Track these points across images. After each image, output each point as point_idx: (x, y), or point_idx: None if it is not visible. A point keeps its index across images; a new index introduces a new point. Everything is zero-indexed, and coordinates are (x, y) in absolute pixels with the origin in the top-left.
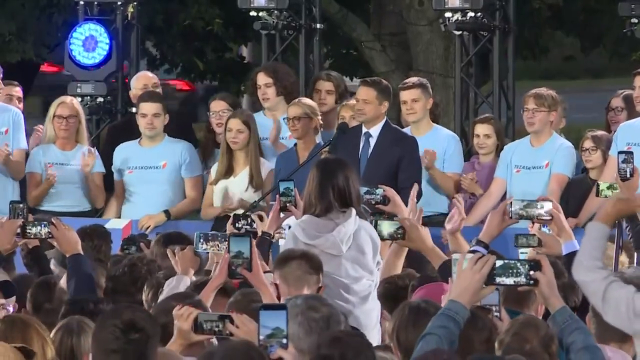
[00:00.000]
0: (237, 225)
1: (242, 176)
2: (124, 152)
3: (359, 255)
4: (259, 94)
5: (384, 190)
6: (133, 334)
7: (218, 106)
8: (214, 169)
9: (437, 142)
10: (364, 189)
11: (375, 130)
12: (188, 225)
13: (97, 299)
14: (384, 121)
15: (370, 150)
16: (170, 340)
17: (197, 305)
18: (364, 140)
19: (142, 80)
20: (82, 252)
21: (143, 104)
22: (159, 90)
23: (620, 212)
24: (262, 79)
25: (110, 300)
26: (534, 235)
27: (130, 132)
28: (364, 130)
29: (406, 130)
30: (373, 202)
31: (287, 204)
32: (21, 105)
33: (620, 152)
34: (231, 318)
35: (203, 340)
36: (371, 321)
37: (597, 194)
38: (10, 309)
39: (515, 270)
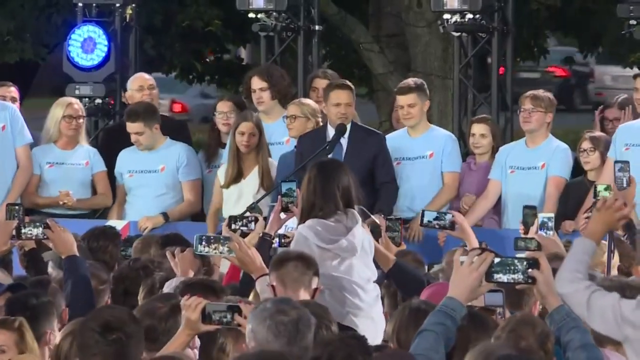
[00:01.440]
0: (232, 227)
1: (252, 178)
2: (125, 157)
3: (365, 256)
4: (254, 97)
5: (452, 216)
6: (110, 335)
7: (225, 107)
8: (221, 173)
9: (434, 142)
10: (432, 214)
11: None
12: (187, 226)
13: (38, 294)
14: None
15: (344, 151)
16: (178, 331)
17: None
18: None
19: (138, 81)
20: (77, 254)
21: (126, 122)
22: (155, 91)
23: (605, 225)
24: (256, 83)
25: (122, 303)
26: (533, 238)
27: (125, 134)
28: (334, 131)
29: (402, 131)
30: (438, 227)
31: (289, 205)
32: (16, 105)
33: (616, 162)
34: (239, 309)
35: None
36: (383, 320)
37: (595, 196)
38: None
39: (513, 268)
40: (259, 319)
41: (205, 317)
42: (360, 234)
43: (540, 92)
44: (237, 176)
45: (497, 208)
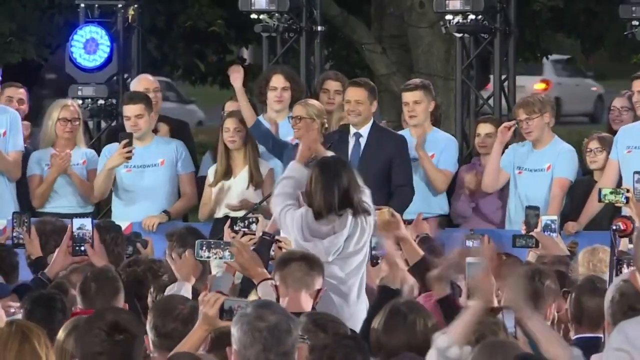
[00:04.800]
0: (234, 228)
1: (242, 176)
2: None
3: (347, 258)
4: (273, 95)
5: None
6: (117, 335)
7: (232, 107)
8: (211, 171)
9: (435, 145)
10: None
11: (364, 130)
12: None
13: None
14: (372, 121)
15: (361, 150)
16: (195, 326)
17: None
18: (354, 141)
19: (143, 83)
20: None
21: (125, 106)
22: (159, 94)
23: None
24: (280, 81)
25: (136, 305)
26: (532, 236)
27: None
28: (354, 130)
29: (406, 131)
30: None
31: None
32: (24, 107)
33: (635, 172)
34: None
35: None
36: (360, 322)
37: (600, 200)
38: (19, 315)
39: None
40: (238, 323)
41: (224, 312)
42: (340, 243)
43: (530, 98)
44: (225, 174)
45: (504, 201)
